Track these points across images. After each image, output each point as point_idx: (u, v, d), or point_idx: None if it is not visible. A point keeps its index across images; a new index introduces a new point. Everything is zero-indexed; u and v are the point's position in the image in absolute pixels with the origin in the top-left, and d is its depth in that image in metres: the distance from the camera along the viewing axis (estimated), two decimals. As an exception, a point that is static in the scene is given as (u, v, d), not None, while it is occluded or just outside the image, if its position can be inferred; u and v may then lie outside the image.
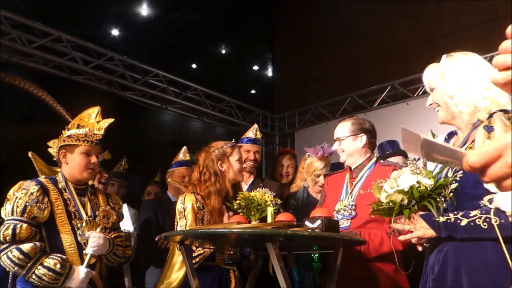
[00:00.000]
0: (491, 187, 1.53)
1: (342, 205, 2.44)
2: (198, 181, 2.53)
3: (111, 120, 2.50)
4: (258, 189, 2.30)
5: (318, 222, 1.90)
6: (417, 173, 1.67)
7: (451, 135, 1.93)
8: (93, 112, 2.50)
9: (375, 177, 2.44)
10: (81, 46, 5.19)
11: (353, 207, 2.40)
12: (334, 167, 3.32)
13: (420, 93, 5.52)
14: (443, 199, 1.65)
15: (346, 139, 2.54)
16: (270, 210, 2.10)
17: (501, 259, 1.46)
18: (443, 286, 1.58)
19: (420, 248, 1.72)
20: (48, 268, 2.15)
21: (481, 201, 1.56)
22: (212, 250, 2.36)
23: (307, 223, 1.95)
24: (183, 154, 3.81)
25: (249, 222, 2.20)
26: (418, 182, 1.64)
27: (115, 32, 6.18)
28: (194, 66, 7.34)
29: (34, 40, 4.83)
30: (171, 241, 2.47)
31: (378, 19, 6.48)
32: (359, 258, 2.28)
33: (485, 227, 1.49)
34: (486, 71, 1.70)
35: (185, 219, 2.40)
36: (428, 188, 1.62)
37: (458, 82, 1.71)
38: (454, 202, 1.61)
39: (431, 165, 1.81)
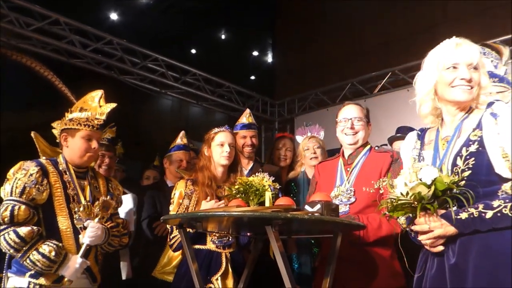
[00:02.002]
0: (503, 171, 1.55)
1: (340, 190, 2.44)
2: (195, 168, 2.65)
3: (114, 104, 2.48)
4: (256, 173, 2.30)
5: (318, 206, 1.90)
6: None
7: (422, 131, 1.95)
8: (96, 95, 2.48)
9: (371, 163, 2.46)
10: (79, 29, 5.14)
11: (352, 193, 2.40)
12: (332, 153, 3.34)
13: (420, 80, 5.48)
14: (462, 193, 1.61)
15: (363, 123, 2.54)
16: (268, 195, 2.10)
17: None
18: (462, 277, 1.56)
19: (441, 248, 1.66)
20: (43, 255, 2.15)
21: (500, 190, 1.57)
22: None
23: (306, 207, 1.95)
24: (180, 138, 3.79)
25: (248, 206, 2.21)
26: (440, 176, 1.59)
27: (114, 16, 6.10)
28: (193, 51, 7.27)
29: (32, 23, 4.78)
30: (170, 224, 2.47)
31: (380, 5, 6.41)
32: (357, 243, 2.29)
33: None
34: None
35: (172, 204, 2.52)
36: (451, 182, 1.57)
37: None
38: (470, 201, 1.57)
39: (428, 157, 1.80)
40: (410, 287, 2.12)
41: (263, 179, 2.22)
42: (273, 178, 2.29)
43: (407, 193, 1.61)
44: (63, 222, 2.28)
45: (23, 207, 2.17)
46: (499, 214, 1.51)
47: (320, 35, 7.14)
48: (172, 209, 2.55)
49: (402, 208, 1.64)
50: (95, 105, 2.44)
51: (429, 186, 1.57)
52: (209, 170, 2.60)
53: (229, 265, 2.51)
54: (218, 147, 2.60)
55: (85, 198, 2.37)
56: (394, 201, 1.65)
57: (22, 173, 2.23)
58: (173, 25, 6.47)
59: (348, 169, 2.51)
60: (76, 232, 2.29)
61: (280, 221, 1.73)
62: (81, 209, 2.30)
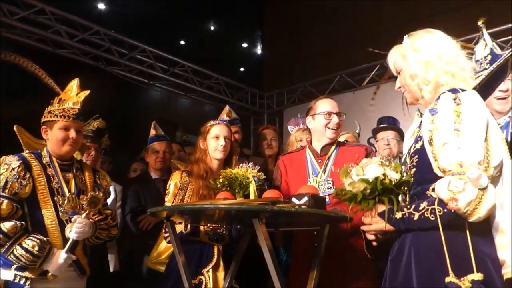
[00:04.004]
0: (436, 171, 1.53)
1: (317, 181, 2.47)
2: (191, 160, 2.64)
3: (87, 92, 2.45)
4: (241, 164, 2.30)
5: (305, 198, 1.91)
6: (386, 165, 1.64)
7: None
8: (74, 85, 2.46)
9: (345, 154, 2.51)
10: (65, 19, 5.06)
11: (331, 183, 2.42)
12: None
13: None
14: (405, 193, 1.64)
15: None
16: (252, 187, 2.10)
17: (449, 247, 1.47)
18: (397, 269, 1.59)
19: (374, 243, 1.72)
20: (26, 250, 2.13)
21: (427, 191, 1.56)
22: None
23: (293, 199, 1.95)
24: (153, 129, 3.74)
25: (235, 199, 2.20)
26: (384, 175, 1.61)
27: (101, 5, 6.01)
28: (182, 42, 7.20)
29: (16, 12, 4.69)
30: (158, 217, 2.46)
31: (368, -2, 6.41)
32: (340, 235, 2.32)
33: (433, 218, 1.48)
34: (448, 46, 1.68)
35: (167, 195, 2.51)
36: (393, 183, 1.60)
37: (418, 59, 1.69)
38: (415, 198, 1.59)
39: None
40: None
41: (247, 171, 2.22)
42: (258, 168, 2.29)
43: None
44: (48, 216, 2.25)
45: (5, 201, 2.15)
46: (422, 217, 1.51)
47: (309, 28, 7.13)
48: (168, 199, 2.55)
49: (350, 200, 1.69)
50: (73, 94, 2.42)
51: (370, 183, 1.61)
52: (204, 162, 2.59)
53: (220, 258, 2.51)
54: (214, 140, 2.59)
55: (69, 191, 2.34)
56: (342, 190, 1.71)
57: (4, 168, 2.20)
58: (161, 16, 6.39)
59: (320, 160, 2.56)
60: (62, 225, 2.27)
61: (267, 213, 1.73)
62: (66, 201, 2.27)
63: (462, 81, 1.63)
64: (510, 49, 1.60)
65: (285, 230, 2.87)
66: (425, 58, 1.68)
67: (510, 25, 4.82)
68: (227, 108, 3.74)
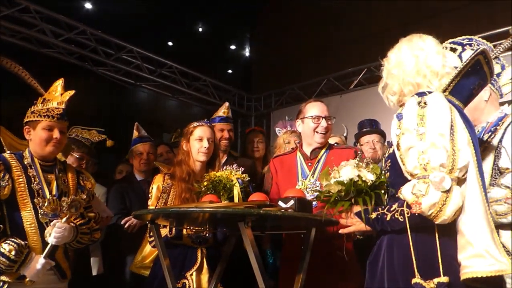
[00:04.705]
0: (407, 175, 1.55)
1: (305, 185, 2.47)
2: (174, 162, 2.62)
3: (72, 92, 2.40)
4: (225, 167, 2.27)
5: (291, 202, 1.89)
6: (363, 167, 1.67)
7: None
8: (58, 85, 2.41)
9: (335, 158, 2.48)
10: (51, 17, 4.98)
11: (319, 187, 2.42)
12: None
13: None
14: (385, 193, 1.68)
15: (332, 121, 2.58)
16: (236, 190, 2.08)
17: (416, 249, 1.50)
18: (374, 272, 1.61)
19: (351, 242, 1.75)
20: (2, 254, 2.07)
21: (399, 193, 1.58)
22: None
23: (280, 203, 1.94)
24: (136, 131, 3.67)
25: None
26: (358, 176, 1.64)
27: (88, 4, 5.95)
28: (170, 43, 7.17)
29: (0, 9, 4.61)
30: (142, 220, 2.43)
31: (356, 1, 6.44)
32: (327, 238, 2.31)
33: (402, 220, 1.51)
34: (412, 55, 1.68)
35: (150, 199, 2.48)
36: (368, 183, 1.63)
37: (388, 72, 1.74)
38: (391, 201, 1.62)
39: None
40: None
41: (231, 173, 2.19)
42: (243, 169, 2.27)
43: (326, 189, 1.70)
44: (27, 218, 2.19)
45: None
46: (393, 218, 1.54)
47: (298, 31, 7.15)
48: (151, 203, 2.51)
49: (327, 202, 1.72)
50: (57, 94, 2.37)
51: (345, 185, 1.64)
52: (187, 164, 2.55)
53: (204, 260, 2.48)
54: (197, 142, 2.56)
55: (50, 193, 2.29)
56: (321, 194, 1.74)
57: None
58: (149, 16, 6.35)
59: (310, 164, 2.55)
60: (42, 228, 2.21)
61: (253, 217, 1.71)
62: (46, 203, 2.22)
63: (440, 87, 1.64)
64: (478, 48, 1.58)
65: (272, 233, 2.86)
66: (390, 71, 1.73)
67: (498, 30, 4.87)
68: (226, 104, 3.69)
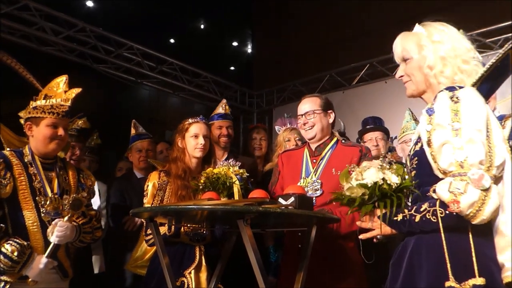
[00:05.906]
0: (436, 172, 1.49)
1: (306, 182, 2.43)
2: (169, 159, 2.58)
3: (79, 89, 2.37)
4: (221, 163, 2.25)
5: (292, 199, 1.87)
6: (387, 168, 1.59)
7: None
8: (61, 81, 2.37)
9: (339, 156, 2.46)
10: (50, 15, 4.95)
11: (319, 185, 2.39)
12: None
13: (398, 72, 5.51)
14: (407, 196, 1.60)
15: (319, 114, 2.51)
16: (236, 187, 2.05)
17: (450, 251, 1.44)
18: (397, 274, 1.55)
19: (374, 240, 1.68)
20: (5, 255, 2.06)
21: (429, 193, 1.52)
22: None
23: (280, 200, 1.91)
24: (133, 128, 3.67)
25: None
26: (383, 179, 1.57)
27: (88, 2, 5.92)
28: (171, 40, 7.14)
29: (-1, 8, 4.59)
30: (140, 218, 2.41)
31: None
32: (328, 236, 2.28)
33: (434, 220, 1.44)
34: (464, 44, 1.63)
35: (146, 197, 2.45)
36: (393, 186, 1.56)
37: (437, 52, 1.62)
38: (417, 201, 1.55)
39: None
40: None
41: (229, 169, 2.16)
42: (239, 163, 2.24)
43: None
44: (29, 217, 2.18)
45: None
46: (424, 219, 1.47)
47: (299, 27, 7.10)
48: (146, 201, 2.48)
49: (349, 204, 1.65)
50: (60, 91, 2.33)
51: (369, 188, 1.57)
52: (182, 161, 2.54)
53: (203, 258, 2.46)
54: (192, 139, 2.54)
55: (52, 191, 2.26)
56: (341, 194, 1.66)
57: None
58: (149, 12, 6.32)
59: (315, 160, 2.53)
60: (44, 227, 2.19)
61: (252, 214, 1.68)
62: (48, 202, 2.20)
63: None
64: (510, 44, 1.53)
65: (273, 230, 2.84)
66: (444, 52, 1.61)
67: (497, 26, 4.82)
68: (224, 101, 3.68)
